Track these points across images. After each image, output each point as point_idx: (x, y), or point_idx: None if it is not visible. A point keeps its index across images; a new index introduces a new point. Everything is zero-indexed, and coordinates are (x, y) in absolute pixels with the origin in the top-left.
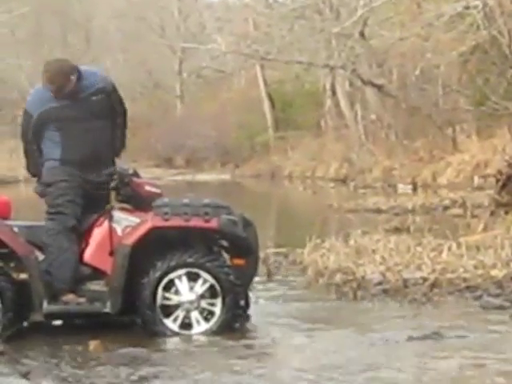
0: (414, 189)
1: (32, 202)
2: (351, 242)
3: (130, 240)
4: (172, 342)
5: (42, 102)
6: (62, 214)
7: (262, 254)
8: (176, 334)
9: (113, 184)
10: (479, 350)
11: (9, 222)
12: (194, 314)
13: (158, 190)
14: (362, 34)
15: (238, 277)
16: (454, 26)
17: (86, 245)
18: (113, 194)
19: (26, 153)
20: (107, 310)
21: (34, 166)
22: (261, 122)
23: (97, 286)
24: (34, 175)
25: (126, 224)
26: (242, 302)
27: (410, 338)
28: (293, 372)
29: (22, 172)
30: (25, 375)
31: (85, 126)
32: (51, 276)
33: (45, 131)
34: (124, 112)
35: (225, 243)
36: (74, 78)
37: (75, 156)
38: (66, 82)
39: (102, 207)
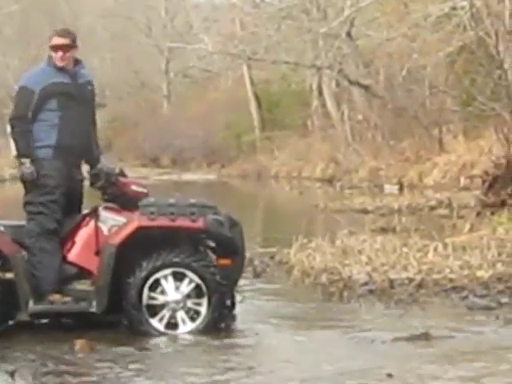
0: (401, 189)
1: (19, 201)
2: (337, 243)
3: (116, 239)
4: (158, 342)
5: (44, 77)
6: (43, 215)
7: (248, 254)
8: (162, 333)
9: (99, 183)
10: (465, 351)
11: None
12: (180, 314)
13: (144, 190)
14: (348, 35)
15: (224, 277)
16: (441, 27)
17: (72, 244)
18: (99, 194)
19: (22, 133)
20: (93, 309)
21: (29, 147)
22: (247, 122)
23: (83, 285)
24: (27, 156)
25: (112, 223)
26: (228, 302)
27: (396, 339)
28: (275, 373)
29: (8, 171)
30: (11, 374)
31: (82, 110)
32: (35, 278)
33: (42, 112)
34: (95, 122)
35: (211, 243)
36: (77, 48)
37: (72, 141)
38: (75, 42)
39: (78, 207)
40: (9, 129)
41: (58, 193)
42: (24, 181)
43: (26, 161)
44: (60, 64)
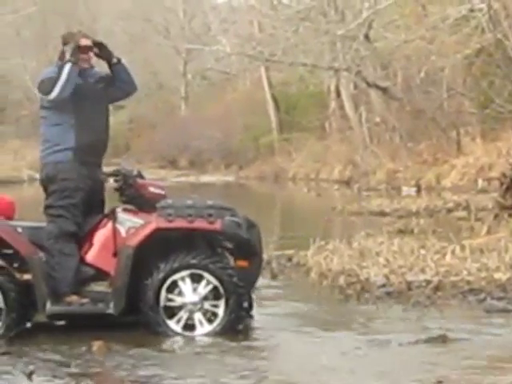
0: (418, 191)
1: (36, 203)
2: (355, 245)
3: (134, 241)
4: (175, 343)
5: None
6: (63, 218)
7: (265, 256)
8: (179, 335)
9: (117, 185)
10: (484, 354)
11: (12, 223)
12: (197, 316)
13: (161, 192)
14: (366, 37)
15: (242, 278)
16: (458, 29)
17: (90, 246)
18: (117, 195)
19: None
20: (110, 310)
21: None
22: (265, 124)
23: (100, 286)
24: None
25: (130, 225)
26: (246, 304)
27: (414, 341)
28: (292, 376)
29: (26, 172)
30: (28, 375)
31: (97, 109)
32: (53, 279)
33: (58, 115)
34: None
35: (228, 245)
36: None
37: (90, 141)
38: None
39: (100, 208)
40: (51, 95)
41: (78, 196)
42: (44, 184)
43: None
44: (86, 66)
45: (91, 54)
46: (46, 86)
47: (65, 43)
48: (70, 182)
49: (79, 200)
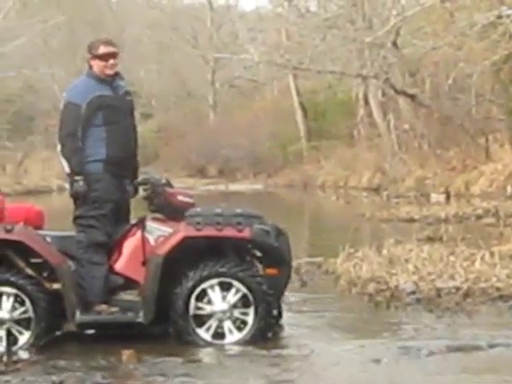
0: (447, 198)
1: (65, 212)
2: (384, 252)
3: (163, 250)
4: (205, 352)
5: (89, 91)
6: (93, 228)
7: (294, 264)
8: (209, 343)
9: (145, 194)
10: None
11: (42, 232)
12: (227, 324)
13: (190, 200)
14: (394, 44)
15: (271, 286)
16: (486, 36)
17: (119, 255)
18: (145, 204)
19: (73, 151)
20: (140, 319)
21: (81, 164)
22: (293, 132)
23: (129, 295)
24: (80, 173)
25: (159, 234)
26: (275, 312)
27: (445, 349)
28: None
29: (55, 182)
30: None
31: (126, 121)
32: (82, 288)
33: (90, 127)
34: (136, 132)
35: (257, 253)
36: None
37: (120, 153)
38: (118, 54)
39: (127, 217)
40: (59, 147)
41: (108, 207)
42: (76, 197)
43: (80, 178)
44: (110, 72)
45: (114, 61)
46: (64, 120)
47: (90, 52)
48: (101, 192)
49: (109, 211)
